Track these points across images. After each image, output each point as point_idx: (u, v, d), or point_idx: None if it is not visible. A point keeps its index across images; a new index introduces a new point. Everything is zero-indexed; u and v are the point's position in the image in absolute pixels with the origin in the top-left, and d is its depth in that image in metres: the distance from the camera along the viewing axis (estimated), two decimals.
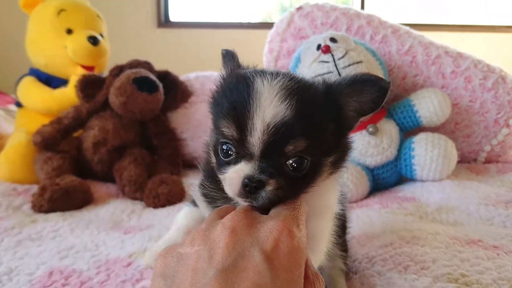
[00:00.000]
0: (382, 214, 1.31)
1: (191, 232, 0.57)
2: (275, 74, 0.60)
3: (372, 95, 0.61)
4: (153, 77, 1.80)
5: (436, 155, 1.58)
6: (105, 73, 1.97)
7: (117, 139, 1.74)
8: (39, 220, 1.29)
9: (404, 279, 0.83)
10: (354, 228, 1.16)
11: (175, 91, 1.95)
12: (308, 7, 2.06)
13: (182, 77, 2.08)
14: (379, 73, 1.64)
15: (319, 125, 0.58)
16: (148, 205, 1.49)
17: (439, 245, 0.97)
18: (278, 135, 0.55)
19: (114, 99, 1.74)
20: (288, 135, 0.55)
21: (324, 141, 0.59)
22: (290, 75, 0.61)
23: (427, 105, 1.66)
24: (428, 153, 1.59)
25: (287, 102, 0.56)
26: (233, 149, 0.59)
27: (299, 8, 2.08)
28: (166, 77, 1.95)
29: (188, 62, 4.01)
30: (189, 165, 1.98)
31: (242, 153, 0.58)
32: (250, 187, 0.56)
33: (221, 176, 0.61)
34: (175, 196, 1.51)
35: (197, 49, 4.16)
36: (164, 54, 3.97)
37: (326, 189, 0.66)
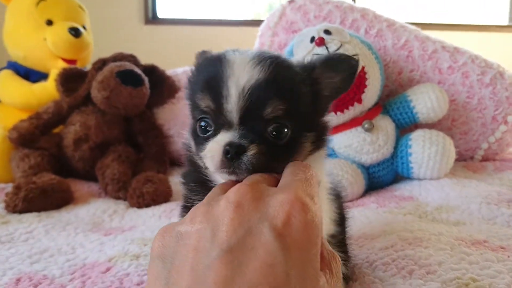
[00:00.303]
0: (380, 214, 1.25)
1: (192, 209, 0.51)
2: (248, 51, 0.61)
3: (343, 74, 0.62)
4: (138, 70, 1.71)
5: (434, 153, 1.52)
6: (88, 67, 1.88)
7: (99, 135, 1.65)
8: (12, 221, 1.20)
9: (409, 285, 0.75)
10: (351, 228, 1.09)
11: (161, 86, 1.86)
12: (300, 1, 1.98)
13: (170, 71, 2.00)
14: (376, 68, 1.57)
15: (295, 90, 0.58)
16: (132, 205, 1.40)
17: (443, 247, 0.90)
18: (254, 99, 0.55)
19: (96, 94, 1.65)
20: (264, 98, 0.55)
21: (302, 110, 0.59)
22: (279, 55, 0.62)
23: (425, 101, 1.60)
24: (426, 151, 1.53)
25: (260, 66, 0.56)
26: (211, 123, 0.58)
27: (291, 1, 2.01)
28: (152, 71, 1.87)
29: (176, 60, 3.89)
30: (176, 163, 1.90)
31: (220, 123, 0.57)
32: (231, 153, 0.54)
33: (201, 154, 0.59)
34: (161, 196, 1.42)
35: (185, 46, 4.06)
36: (151, 52, 3.86)
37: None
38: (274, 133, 0.56)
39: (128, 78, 1.64)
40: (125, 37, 3.93)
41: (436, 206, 1.30)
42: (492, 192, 1.34)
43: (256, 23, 4.32)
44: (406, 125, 1.66)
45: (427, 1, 4.72)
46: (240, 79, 0.56)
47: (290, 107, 0.56)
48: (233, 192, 0.48)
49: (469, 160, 1.86)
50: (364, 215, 1.24)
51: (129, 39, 3.94)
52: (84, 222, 1.21)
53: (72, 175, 1.64)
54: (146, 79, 1.72)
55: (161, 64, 2.03)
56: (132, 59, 1.83)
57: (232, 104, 0.56)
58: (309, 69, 0.62)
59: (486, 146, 1.80)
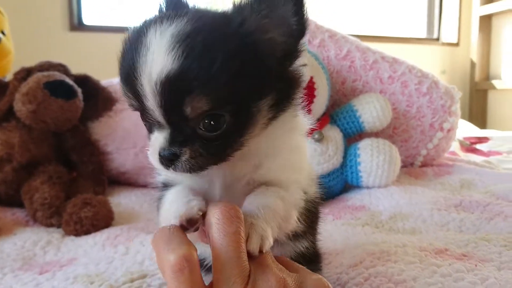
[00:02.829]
0: (339, 227, 1.22)
1: None
2: (177, 17, 0.51)
3: (286, 5, 0.52)
4: (69, 81, 1.55)
5: (382, 161, 1.55)
6: (8, 77, 1.67)
7: (25, 154, 1.45)
8: None
9: None
10: None
11: (96, 97, 1.70)
12: None
13: (104, 82, 1.84)
14: (323, 78, 1.57)
15: (223, 70, 0.48)
16: (68, 232, 1.23)
17: (412, 259, 0.89)
18: (169, 97, 0.49)
19: (20, 107, 1.46)
20: (181, 95, 0.48)
21: (240, 85, 0.50)
22: (197, 14, 0.54)
23: (370, 111, 1.62)
24: (374, 159, 1.55)
25: (176, 52, 0.48)
26: (144, 118, 0.55)
27: None
28: (85, 82, 1.70)
29: (105, 69, 3.67)
30: (116, 181, 1.74)
31: (150, 120, 0.54)
32: (165, 161, 0.53)
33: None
34: (101, 220, 1.27)
35: (113, 55, 3.85)
36: (77, 60, 3.57)
37: (283, 142, 0.61)
38: (206, 126, 0.51)
39: (58, 89, 1.48)
40: (49, 45, 3.62)
41: (390, 215, 1.31)
42: (440, 198, 1.39)
43: None
44: (353, 134, 1.68)
45: (350, 13, 4.94)
46: (152, 72, 0.48)
47: (221, 94, 0.49)
48: None
49: (409, 167, 1.92)
50: (322, 228, 1.21)
51: (53, 46, 3.64)
52: (11, 259, 1.04)
53: None
54: (79, 90, 1.56)
55: (88, 73, 1.85)
56: (62, 68, 1.65)
57: (151, 103, 0.50)
58: (243, 24, 0.52)
59: (425, 153, 1.87)
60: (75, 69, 1.74)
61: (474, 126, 3.51)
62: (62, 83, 1.50)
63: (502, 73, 4.59)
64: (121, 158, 1.68)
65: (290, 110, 0.60)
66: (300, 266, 0.57)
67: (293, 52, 0.56)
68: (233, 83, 0.50)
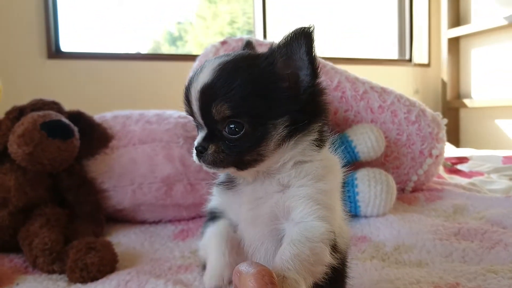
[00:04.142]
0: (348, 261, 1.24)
1: None
2: (232, 54, 0.71)
3: (300, 47, 0.65)
4: (66, 120, 1.52)
5: (380, 191, 1.59)
6: None
7: (21, 198, 1.41)
8: None
9: None
10: None
11: (90, 135, 1.67)
12: (233, 42, 1.97)
13: (96, 117, 1.82)
14: None
15: (242, 88, 0.64)
16: (74, 280, 1.20)
17: None
18: (203, 102, 0.66)
19: (16, 149, 1.42)
20: (209, 101, 0.65)
21: (257, 102, 0.65)
22: (241, 52, 0.73)
23: (365, 141, 1.67)
24: (372, 189, 1.59)
25: (214, 73, 0.65)
26: (194, 121, 0.72)
27: (223, 42, 1.99)
28: (78, 118, 1.67)
29: (85, 98, 3.62)
30: (112, 218, 1.71)
31: (197, 123, 0.71)
32: (197, 153, 0.69)
33: None
34: (107, 265, 1.24)
35: (93, 82, 3.80)
36: (56, 88, 3.54)
37: (310, 169, 0.70)
38: (229, 129, 0.65)
39: (55, 130, 1.45)
40: (26, 73, 3.53)
41: (393, 246, 1.34)
42: (439, 227, 1.43)
43: (163, 57, 4.29)
44: (347, 164, 1.71)
45: (323, 35, 5.08)
46: (197, 85, 0.66)
47: (240, 104, 0.64)
48: None
49: (400, 192, 1.97)
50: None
51: (30, 75, 3.55)
52: None
53: None
54: (75, 129, 1.54)
55: (68, 102, 1.81)
56: (55, 106, 1.62)
57: (195, 107, 0.68)
58: (270, 61, 0.67)
59: (415, 178, 1.93)
60: (54, 97, 1.69)
61: (449, 144, 3.64)
62: (59, 123, 1.47)
63: (472, 92, 4.81)
64: (119, 196, 1.65)
65: (310, 137, 0.70)
66: None
67: (310, 87, 0.67)
68: (251, 99, 0.64)
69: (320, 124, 0.72)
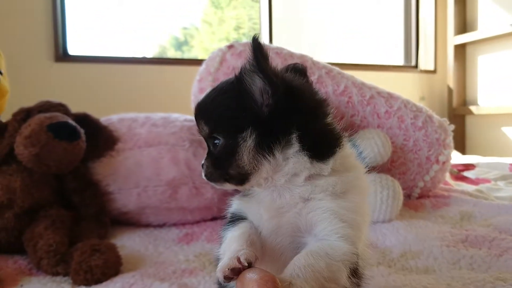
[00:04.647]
0: None
1: None
2: (232, 78, 0.73)
3: (255, 76, 0.68)
4: (72, 122, 1.52)
5: (386, 196, 1.58)
6: (3, 117, 1.63)
7: (27, 199, 1.41)
8: None
9: None
10: None
11: (96, 137, 1.67)
12: (240, 46, 1.97)
13: (102, 119, 1.82)
14: None
15: (215, 108, 0.72)
16: (78, 282, 1.19)
17: None
18: (196, 120, 0.75)
19: (23, 150, 1.42)
20: (197, 120, 0.75)
21: (227, 119, 0.70)
22: (229, 79, 0.74)
23: (371, 146, 1.66)
24: (378, 195, 1.58)
25: (205, 96, 0.75)
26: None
27: (230, 47, 1.99)
28: (84, 120, 1.67)
29: (91, 100, 3.64)
30: (117, 221, 1.70)
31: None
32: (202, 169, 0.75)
33: None
34: (111, 268, 1.23)
35: (100, 85, 3.82)
36: (62, 91, 3.55)
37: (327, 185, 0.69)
38: (213, 146, 0.72)
39: (62, 131, 1.45)
40: (33, 76, 3.56)
41: (400, 253, 1.33)
42: (446, 233, 1.42)
43: (168, 61, 4.31)
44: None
45: (329, 41, 5.09)
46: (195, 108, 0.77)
47: (215, 121, 0.72)
48: None
49: (407, 198, 1.96)
50: None
51: (37, 77, 3.58)
52: None
53: None
54: (82, 131, 1.54)
55: (75, 105, 1.81)
56: (62, 108, 1.63)
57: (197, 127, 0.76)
58: (237, 85, 0.71)
59: (422, 185, 1.92)
60: (61, 100, 1.69)
61: (455, 151, 3.62)
62: (66, 124, 1.48)
63: (479, 98, 4.78)
64: (124, 199, 1.65)
65: (292, 149, 0.69)
66: None
67: (271, 105, 0.68)
68: (223, 116, 0.71)
69: (296, 135, 0.68)
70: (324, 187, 0.68)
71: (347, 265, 0.63)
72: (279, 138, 0.68)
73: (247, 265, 0.59)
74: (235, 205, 0.77)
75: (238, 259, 0.60)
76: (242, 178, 0.70)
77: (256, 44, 0.66)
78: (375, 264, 1.25)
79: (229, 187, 0.73)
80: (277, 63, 2.03)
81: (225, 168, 0.70)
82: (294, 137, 0.68)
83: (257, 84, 0.68)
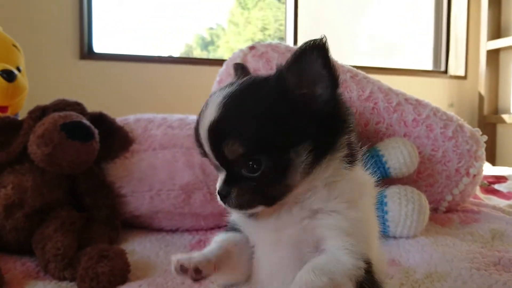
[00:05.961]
0: None
1: None
2: (234, 83, 0.64)
3: (315, 62, 0.58)
4: (87, 122, 1.49)
5: (411, 211, 1.48)
6: (22, 115, 1.61)
7: (38, 199, 1.38)
8: None
9: None
10: None
11: (111, 138, 1.63)
12: (261, 47, 1.91)
13: (119, 119, 1.78)
14: None
15: (254, 119, 0.58)
16: None
17: None
18: (214, 140, 0.60)
19: (35, 149, 1.39)
20: (219, 141, 0.59)
21: (273, 133, 0.58)
22: (246, 79, 0.65)
23: (397, 156, 1.57)
24: (403, 209, 1.48)
25: (221, 106, 0.59)
26: (210, 163, 0.66)
27: (251, 48, 1.93)
28: (100, 120, 1.64)
29: (115, 99, 3.67)
30: (128, 224, 1.66)
31: (213, 164, 0.64)
32: (221, 198, 0.63)
33: None
34: (118, 276, 1.18)
35: (124, 83, 3.84)
36: (86, 89, 3.59)
37: (339, 194, 0.64)
38: (247, 170, 0.59)
39: (75, 131, 1.42)
40: (58, 73, 3.60)
41: (425, 273, 1.23)
42: (476, 254, 1.31)
43: (194, 61, 4.28)
44: (377, 180, 1.61)
45: (357, 45, 4.96)
46: (204, 123, 0.60)
47: (253, 139, 0.58)
48: None
49: (433, 212, 1.85)
50: None
51: (62, 75, 3.62)
52: None
53: (1, 250, 1.35)
54: (96, 131, 1.50)
55: (98, 102, 1.79)
56: (78, 107, 1.60)
57: (207, 147, 0.61)
58: (281, 83, 0.61)
59: (450, 198, 1.80)
60: (85, 98, 1.68)
61: (486, 163, 3.45)
62: (79, 124, 1.44)
63: (511, 106, 4.57)
64: (136, 202, 1.60)
65: (340, 153, 0.64)
66: None
67: (330, 101, 0.61)
68: (264, 130, 0.58)
69: (347, 136, 0.66)
70: (341, 191, 0.65)
71: (353, 279, 0.58)
72: (333, 144, 0.63)
73: (192, 269, 0.60)
74: (234, 215, 0.73)
75: (194, 264, 0.61)
76: (283, 196, 0.62)
77: (322, 43, 0.58)
78: (397, 285, 1.16)
79: (259, 210, 0.65)
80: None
81: (269, 191, 0.61)
82: (345, 139, 0.65)
83: (317, 81, 0.60)
